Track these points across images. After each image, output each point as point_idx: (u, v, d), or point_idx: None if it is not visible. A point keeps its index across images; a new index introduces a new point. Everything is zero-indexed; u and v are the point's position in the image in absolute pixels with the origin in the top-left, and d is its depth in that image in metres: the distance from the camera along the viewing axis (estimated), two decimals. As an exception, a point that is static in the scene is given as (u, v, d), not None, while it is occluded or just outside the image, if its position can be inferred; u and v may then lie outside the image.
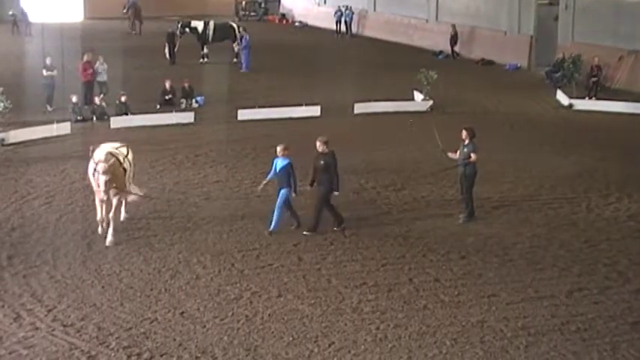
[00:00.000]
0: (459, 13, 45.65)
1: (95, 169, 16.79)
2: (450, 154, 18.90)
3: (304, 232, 17.48)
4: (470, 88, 34.96)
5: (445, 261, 16.31)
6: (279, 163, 17.53)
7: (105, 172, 16.44)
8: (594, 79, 32.74)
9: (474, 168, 18.41)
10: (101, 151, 16.96)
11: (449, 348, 12.89)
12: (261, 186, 18.19)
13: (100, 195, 16.88)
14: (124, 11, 53.71)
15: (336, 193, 17.72)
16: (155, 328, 13.39)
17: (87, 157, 17.68)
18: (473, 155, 18.26)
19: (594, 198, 20.40)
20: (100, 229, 17.28)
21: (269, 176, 17.93)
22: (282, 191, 17.40)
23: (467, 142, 18.37)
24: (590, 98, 32.08)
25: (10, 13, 51.16)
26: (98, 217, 17.44)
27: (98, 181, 16.64)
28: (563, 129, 28.08)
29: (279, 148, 17.66)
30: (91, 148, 17.44)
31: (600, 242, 17.52)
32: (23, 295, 14.47)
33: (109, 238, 16.82)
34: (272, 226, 17.45)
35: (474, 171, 18.45)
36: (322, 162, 17.47)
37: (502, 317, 13.89)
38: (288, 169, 17.45)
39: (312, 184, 17.86)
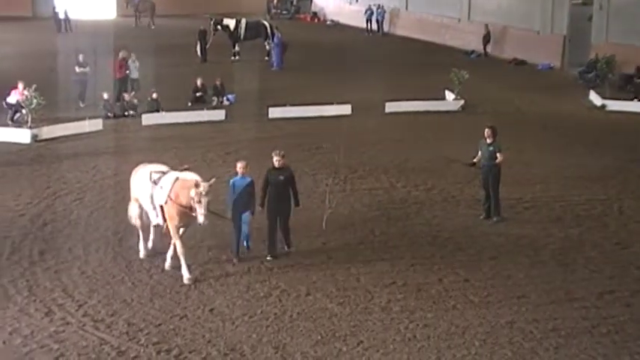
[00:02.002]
0: (491, 12, 45.42)
1: (173, 195, 15.01)
2: (475, 160, 18.78)
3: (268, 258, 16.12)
4: (502, 88, 34.74)
5: (475, 261, 16.22)
6: (239, 182, 15.91)
7: (207, 193, 14.63)
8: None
9: (498, 166, 18.29)
10: (188, 173, 15.34)
11: (478, 349, 12.82)
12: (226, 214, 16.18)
13: (200, 220, 14.49)
14: (128, 6, 54.40)
15: (298, 207, 16.67)
16: (184, 324, 13.46)
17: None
18: (499, 155, 18.12)
19: (626, 200, 20.18)
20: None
21: (230, 200, 16.02)
22: (244, 215, 15.95)
23: (490, 140, 18.22)
24: (638, 100, 31.30)
25: (56, 9, 51.89)
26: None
27: (197, 204, 14.52)
28: (595, 130, 27.81)
29: (239, 165, 15.98)
30: (154, 172, 15.70)
31: (632, 244, 17.33)
32: (54, 290, 14.61)
33: (187, 275, 15.04)
34: (246, 246, 16.28)
35: (499, 169, 18.33)
36: (282, 177, 16.04)
37: (532, 319, 13.80)
38: (250, 190, 15.92)
39: (262, 204, 16.17)
